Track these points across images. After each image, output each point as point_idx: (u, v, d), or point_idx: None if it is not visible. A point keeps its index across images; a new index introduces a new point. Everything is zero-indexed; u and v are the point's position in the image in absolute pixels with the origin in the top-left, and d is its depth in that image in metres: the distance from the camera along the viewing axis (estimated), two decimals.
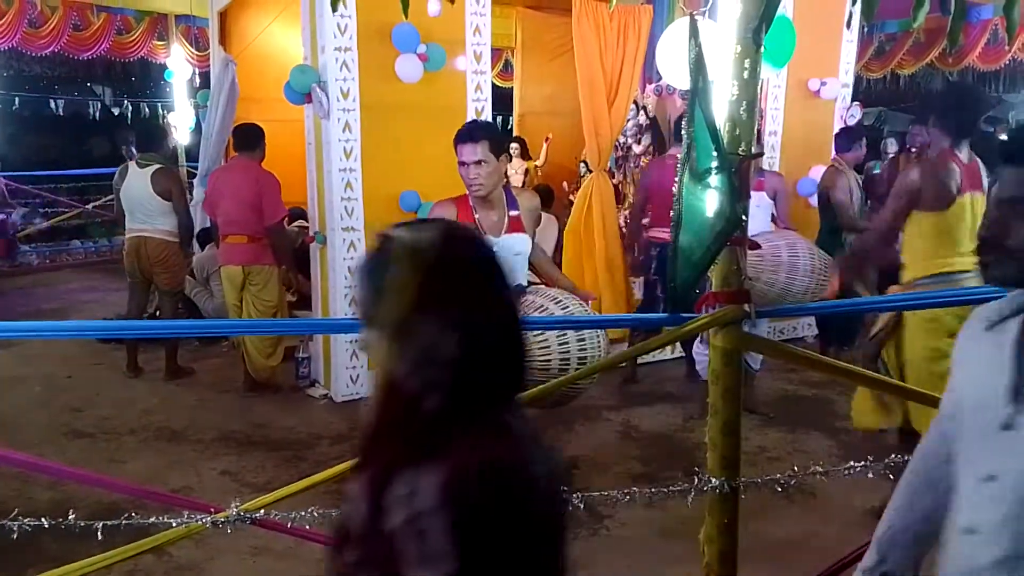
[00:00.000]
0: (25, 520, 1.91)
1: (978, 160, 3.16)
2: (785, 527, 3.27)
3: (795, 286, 4.12)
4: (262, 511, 1.99)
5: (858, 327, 5.55)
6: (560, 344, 2.68)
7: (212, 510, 2.00)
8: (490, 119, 4.95)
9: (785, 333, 6.18)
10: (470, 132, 2.89)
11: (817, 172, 6.08)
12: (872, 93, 10.44)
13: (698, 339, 4.42)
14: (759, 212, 4.55)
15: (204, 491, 3.56)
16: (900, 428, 3.29)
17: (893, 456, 2.27)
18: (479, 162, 2.83)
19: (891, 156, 7.67)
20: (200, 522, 1.97)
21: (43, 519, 1.85)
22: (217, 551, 3.04)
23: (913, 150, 6.54)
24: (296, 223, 6.00)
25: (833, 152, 5.41)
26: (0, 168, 10.44)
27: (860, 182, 5.43)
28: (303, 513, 2.01)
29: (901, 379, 3.15)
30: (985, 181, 3.14)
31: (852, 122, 6.21)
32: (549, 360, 2.66)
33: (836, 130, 6.19)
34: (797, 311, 5.54)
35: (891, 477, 3.28)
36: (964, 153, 3.11)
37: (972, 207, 3.07)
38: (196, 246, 6.30)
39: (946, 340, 2.99)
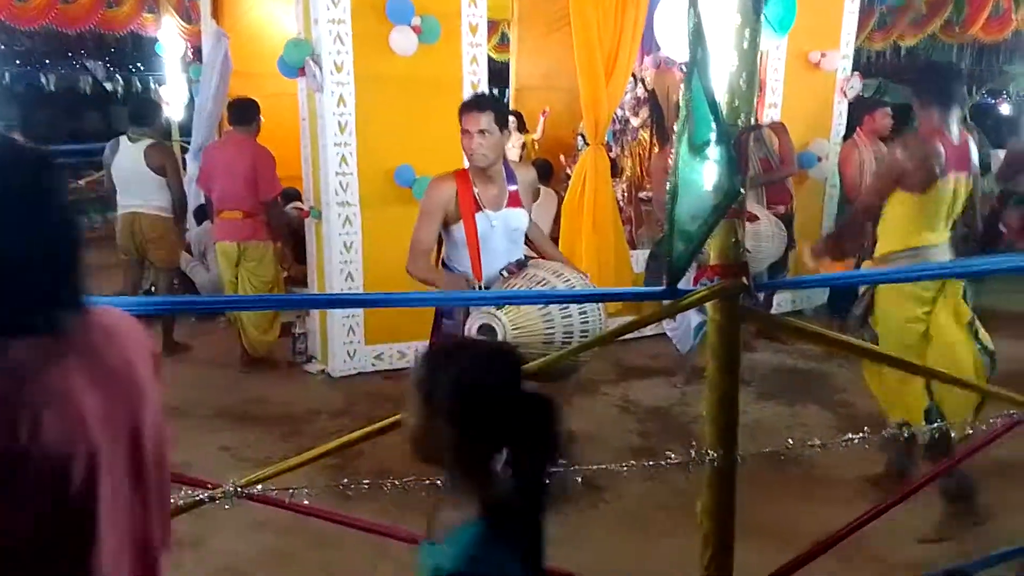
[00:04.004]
0: None
1: (969, 138, 3.12)
2: (783, 500, 3.29)
3: (762, 252, 4.15)
4: (260, 486, 1.98)
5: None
6: (563, 317, 2.68)
7: (210, 485, 1.99)
8: (487, 92, 4.90)
9: (783, 306, 6.18)
10: (477, 101, 2.89)
11: (817, 145, 6.07)
12: (873, 65, 10.35)
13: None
14: None
15: (202, 466, 3.56)
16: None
17: (889, 428, 2.28)
18: (483, 132, 2.80)
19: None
20: (198, 497, 1.97)
21: None
22: (216, 526, 3.06)
23: None
24: (292, 204, 5.90)
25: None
26: None
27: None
28: (304, 489, 2.01)
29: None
30: (975, 159, 3.12)
31: (852, 94, 6.16)
32: (553, 333, 2.66)
33: (835, 102, 6.17)
34: (794, 284, 5.56)
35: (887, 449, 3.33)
36: (954, 129, 3.06)
37: (955, 188, 3.05)
38: (192, 221, 6.25)
39: (915, 308, 3.05)
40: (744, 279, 1.90)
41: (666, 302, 2.04)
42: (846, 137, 6.02)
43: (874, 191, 3.19)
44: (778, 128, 5.34)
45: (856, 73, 6.23)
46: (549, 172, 6.25)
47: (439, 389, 1.26)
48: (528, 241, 3.14)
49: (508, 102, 8.13)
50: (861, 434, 2.12)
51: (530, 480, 1.26)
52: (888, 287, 3.14)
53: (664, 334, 5.03)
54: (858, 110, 5.72)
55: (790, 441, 2.14)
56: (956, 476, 2.97)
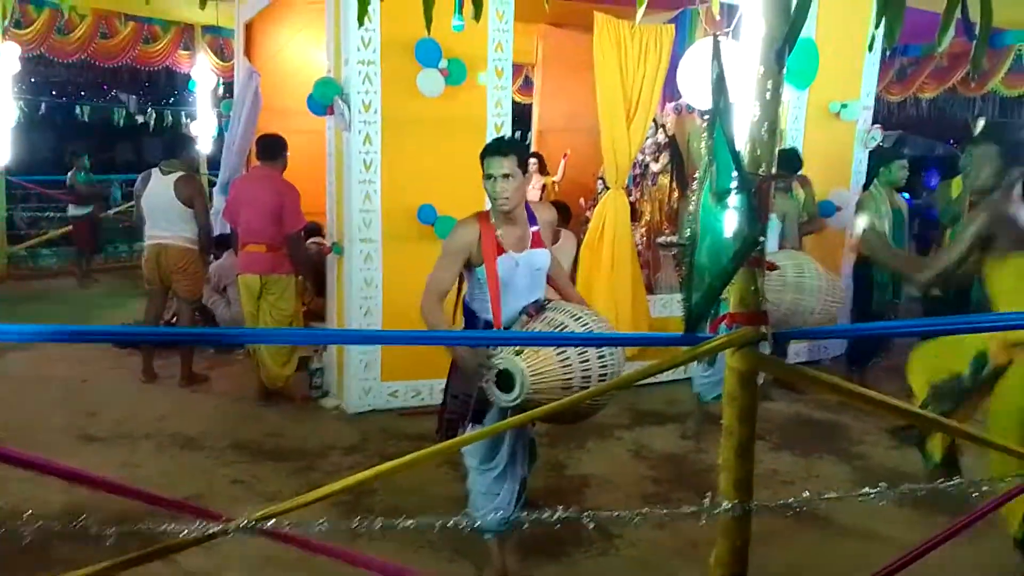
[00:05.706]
0: (37, 523, 1.91)
1: None
2: (797, 552, 3.23)
3: (803, 305, 4.13)
4: (272, 521, 1.98)
5: (881, 347, 5.56)
6: (582, 361, 2.67)
7: (222, 518, 1.99)
8: (510, 135, 4.97)
9: (800, 356, 6.13)
10: (499, 146, 2.88)
11: (836, 195, 6.08)
12: (892, 116, 10.39)
13: (696, 361, 4.38)
14: (769, 234, 4.63)
15: (215, 499, 3.57)
16: (940, 462, 3.10)
17: (908, 484, 2.23)
18: (507, 176, 2.82)
19: (939, 183, 7.53)
20: (212, 530, 1.97)
21: (55, 523, 1.85)
22: (226, 560, 3.04)
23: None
24: (312, 240, 5.94)
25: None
26: (30, 172, 10.60)
27: (905, 208, 5.50)
28: (315, 525, 2.01)
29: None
30: None
31: (872, 145, 6.19)
32: (571, 378, 2.65)
33: (855, 152, 6.22)
34: (817, 334, 5.52)
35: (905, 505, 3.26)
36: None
37: None
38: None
39: None
40: (763, 327, 1.90)
41: (684, 348, 2.03)
42: (865, 187, 6.04)
43: (958, 253, 2.85)
44: (802, 180, 5.43)
45: (877, 125, 6.26)
46: (567, 215, 6.29)
47: None
48: (549, 280, 3.15)
49: (530, 144, 8.24)
50: (878, 488, 2.09)
51: None
52: None
53: (679, 380, 5.00)
54: (876, 161, 5.78)
55: (806, 492, 2.11)
56: None
